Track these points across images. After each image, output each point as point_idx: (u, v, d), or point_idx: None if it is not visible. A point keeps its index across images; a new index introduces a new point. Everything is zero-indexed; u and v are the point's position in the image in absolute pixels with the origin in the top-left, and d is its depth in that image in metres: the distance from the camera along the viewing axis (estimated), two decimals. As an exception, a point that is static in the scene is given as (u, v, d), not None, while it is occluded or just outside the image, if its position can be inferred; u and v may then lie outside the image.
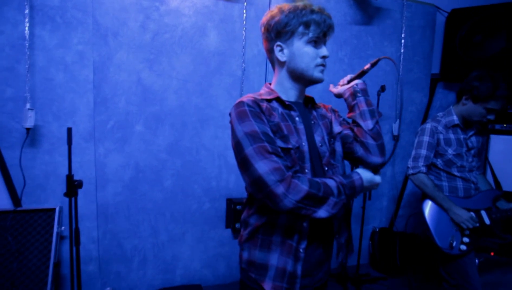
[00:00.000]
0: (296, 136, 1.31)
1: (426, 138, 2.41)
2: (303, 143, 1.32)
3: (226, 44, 2.95)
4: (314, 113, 1.44)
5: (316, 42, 1.32)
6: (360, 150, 1.40)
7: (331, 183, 1.23)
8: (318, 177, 1.25)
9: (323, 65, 1.33)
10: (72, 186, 2.02)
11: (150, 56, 2.78)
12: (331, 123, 1.47)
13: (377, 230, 3.56)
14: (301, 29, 1.29)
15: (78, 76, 2.61)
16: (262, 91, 1.40)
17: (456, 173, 2.40)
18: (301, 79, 1.36)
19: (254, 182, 1.18)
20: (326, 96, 3.28)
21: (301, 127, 1.35)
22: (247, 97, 1.31)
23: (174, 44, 2.82)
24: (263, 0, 3.03)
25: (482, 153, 2.71)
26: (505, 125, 3.17)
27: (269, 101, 1.34)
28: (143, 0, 2.71)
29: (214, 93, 2.96)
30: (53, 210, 2.58)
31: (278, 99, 1.36)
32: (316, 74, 1.34)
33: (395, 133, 3.52)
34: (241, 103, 1.28)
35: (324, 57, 1.32)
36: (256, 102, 1.28)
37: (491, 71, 2.25)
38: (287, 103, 1.35)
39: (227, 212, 3.06)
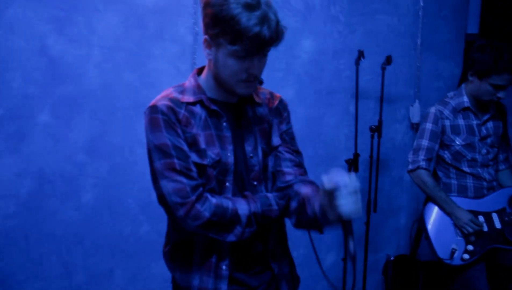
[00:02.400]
0: (218, 147, 1.47)
1: (428, 126, 2.60)
2: (228, 154, 1.49)
3: None
4: (250, 115, 1.57)
5: (245, 57, 1.37)
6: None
7: (242, 210, 1.43)
8: (235, 199, 1.47)
9: (249, 81, 1.41)
10: None
11: (59, 14, 2.67)
12: (270, 129, 1.61)
13: (392, 258, 3.52)
14: (226, 38, 1.34)
15: None
16: (187, 84, 1.53)
17: (465, 169, 2.62)
18: (224, 87, 1.48)
19: (159, 197, 1.43)
20: (314, 70, 3.31)
21: (228, 134, 1.51)
22: (163, 100, 1.44)
23: None
24: None
25: (505, 142, 2.86)
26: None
27: (191, 104, 1.47)
28: None
29: (154, 67, 2.91)
30: None
31: (202, 103, 1.48)
32: (239, 90, 1.44)
33: (414, 120, 3.51)
34: (154, 108, 1.42)
35: (252, 74, 1.39)
36: (172, 109, 1.42)
37: (494, 41, 2.49)
38: (212, 108, 1.48)
39: (175, 237, 2.89)
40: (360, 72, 3.13)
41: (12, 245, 2.69)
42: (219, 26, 1.34)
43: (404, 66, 3.48)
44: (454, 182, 2.66)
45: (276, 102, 1.64)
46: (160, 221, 2.85)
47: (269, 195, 1.54)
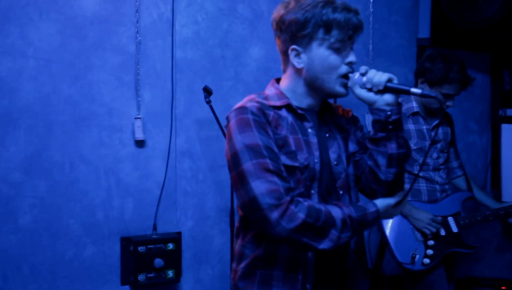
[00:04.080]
0: (306, 152, 1.47)
1: None
2: (315, 160, 1.48)
3: (110, 7, 2.89)
4: (331, 124, 1.60)
5: (340, 48, 1.43)
6: (367, 192, 1.62)
7: (336, 213, 1.39)
8: (324, 203, 1.45)
9: (347, 74, 1.45)
10: None
11: None
12: (347, 137, 1.63)
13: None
14: (321, 33, 1.41)
15: None
16: (268, 92, 1.55)
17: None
18: (320, 91, 1.50)
19: (248, 202, 1.37)
20: (264, 78, 3.26)
21: (314, 141, 1.51)
22: (251, 101, 1.45)
23: (28, 6, 2.70)
24: None
25: (454, 149, 2.94)
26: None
27: (277, 108, 1.49)
28: None
29: (95, 79, 2.88)
30: None
31: (288, 107, 1.50)
32: (338, 88, 1.46)
33: (370, 128, 3.36)
34: (243, 109, 1.42)
35: (350, 63, 1.45)
36: (262, 110, 1.43)
37: (444, 51, 2.59)
38: (299, 112, 1.50)
39: (123, 258, 2.96)
40: None
41: None
42: (310, 23, 1.40)
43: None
44: (407, 186, 2.55)
45: (351, 113, 1.69)
46: (106, 242, 2.85)
47: (360, 203, 1.53)
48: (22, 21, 2.69)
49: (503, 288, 3.53)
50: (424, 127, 2.66)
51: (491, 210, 2.67)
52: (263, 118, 1.42)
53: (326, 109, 1.61)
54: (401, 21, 3.62)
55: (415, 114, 2.65)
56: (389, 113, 1.42)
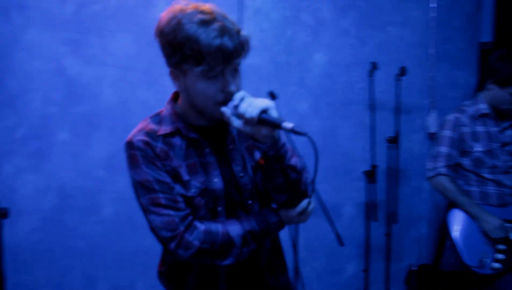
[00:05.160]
0: (203, 175, 1.43)
1: (446, 133, 2.54)
2: (215, 180, 1.44)
3: None
4: (234, 133, 1.52)
5: (216, 76, 1.29)
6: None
7: (234, 232, 1.41)
8: (227, 221, 1.45)
9: (227, 101, 1.32)
10: None
11: (75, 36, 2.76)
12: (253, 145, 1.54)
13: (415, 269, 3.48)
14: (190, 62, 1.27)
15: None
16: (164, 113, 1.47)
17: (486, 175, 2.53)
18: (202, 113, 1.42)
19: (151, 229, 1.43)
20: (327, 83, 3.25)
21: (211, 160, 1.46)
22: (139, 134, 1.40)
23: (108, 18, 2.81)
24: (229, -49, 3.00)
25: None
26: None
27: (168, 135, 1.43)
28: None
29: (168, 84, 2.73)
30: None
31: (179, 133, 1.43)
32: (217, 113, 1.35)
33: (432, 130, 3.42)
34: (130, 144, 1.39)
35: (227, 92, 1.31)
36: (149, 144, 1.38)
37: None
38: (191, 136, 1.43)
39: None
40: (374, 83, 3.12)
41: (37, 258, 2.84)
42: (179, 51, 1.27)
43: (417, 77, 3.40)
44: (475, 189, 2.57)
45: None
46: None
47: (264, 210, 1.51)
48: (103, 32, 2.79)
49: None
50: (493, 129, 2.56)
51: None
52: (150, 151, 1.37)
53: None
54: (462, 26, 3.52)
55: (483, 115, 2.55)
56: (265, 149, 1.36)
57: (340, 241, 1.80)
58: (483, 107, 2.54)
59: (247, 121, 1.29)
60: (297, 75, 3.10)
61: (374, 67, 3.02)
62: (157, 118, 1.44)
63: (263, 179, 1.49)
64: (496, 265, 2.39)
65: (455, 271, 3.15)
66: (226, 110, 1.31)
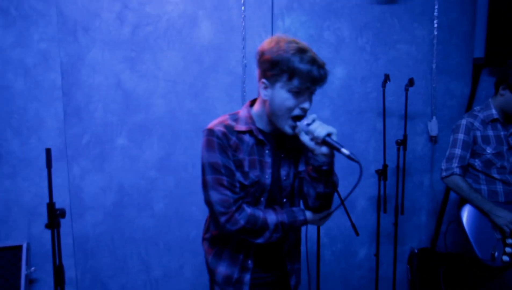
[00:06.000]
0: (258, 170, 1.59)
1: (460, 136, 2.51)
2: (266, 177, 1.60)
3: (222, 36, 2.96)
4: (288, 146, 1.67)
5: (299, 92, 1.46)
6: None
7: (271, 219, 1.56)
8: (266, 210, 1.60)
9: (301, 117, 1.49)
10: (54, 216, 2.00)
11: (131, 54, 2.81)
12: (299, 158, 1.71)
13: (416, 251, 3.50)
14: (285, 77, 1.44)
15: (43, 82, 2.64)
16: (241, 114, 1.62)
17: (495, 175, 2.50)
18: (276, 125, 1.56)
19: (207, 203, 1.55)
20: (345, 93, 3.29)
21: (268, 161, 1.61)
22: (219, 125, 1.55)
23: (159, 38, 2.84)
24: (265, -20, 3.09)
25: None
26: None
27: (242, 132, 1.57)
28: None
29: (210, 96, 2.98)
30: (19, 247, 2.56)
31: (251, 132, 1.58)
32: (287, 128, 1.52)
33: (433, 133, 3.49)
34: (211, 131, 1.53)
35: (303, 109, 1.49)
36: (226, 135, 1.53)
37: None
38: (259, 137, 1.59)
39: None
40: (385, 93, 3.15)
41: (101, 247, 2.86)
42: (277, 67, 1.43)
43: (421, 87, 3.47)
44: (484, 187, 2.53)
45: None
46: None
47: (295, 209, 1.65)
48: (154, 50, 2.81)
49: None
50: (502, 133, 2.50)
51: None
52: (225, 141, 1.51)
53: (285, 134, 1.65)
54: (460, 43, 3.56)
55: (494, 120, 2.50)
56: (321, 164, 1.49)
57: (356, 231, 1.85)
58: (493, 112, 2.49)
59: (313, 138, 1.45)
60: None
61: (387, 78, 3.03)
62: (235, 117, 1.60)
63: (307, 186, 1.61)
64: (506, 258, 2.32)
65: (449, 253, 3.34)
66: (300, 124, 1.48)
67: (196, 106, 2.94)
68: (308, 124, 1.46)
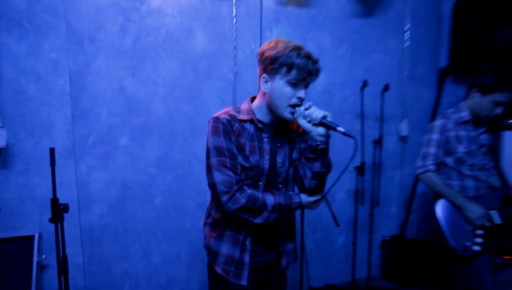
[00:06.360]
0: (258, 155, 1.66)
1: (435, 136, 2.52)
2: (265, 162, 1.67)
3: (215, 46, 3.07)
4: (284, 136, 1.76)
5: (296, 84, 1.57)
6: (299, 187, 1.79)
7: (269, 201, 1.63)
8: (264, 192, 1.65)
9: (297, 105, 1.59)
10: (58, 211, 2.05)
11: (132, 62, 2.87)
12: (293, 147, 1.77)
13: (388, 238, 3.73)
14: (284, 70, 1.55)
15: (53, 87, 2.71)
16: (242, 107, 1.71)
17: (466, 172, 2.52)
18: (274, 113, 1.65)
19: (211, 185, 1.61)
20: (327, 97, 3.40)
21: (267, 147, 1.69)
22: (224, 114, 1.65)
23: (158, 47, 2.92)
24: (254, -4, 3.23)
25: (492, 153, 2.74)
26: (519, 120, 3.49)
27: (243, 121, 1.66)
28: (121, 0, 2.80)
29: (205, 99, 3.09)
30: (32, 237, 2.67)
31: (252, 121, 1.68)
32: (286, 114, 1.61)
33: (403, 134, 3.70)
34: (217, 119, 1.62)
35: (300, 98, 1.59)
36: (230, 122, 1.62)
37: (501, 63, 2.39)
38: (259, 126, 1.68)
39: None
40: (360, 98, 3.30)
41: (106, 236, 2.93)
42: (277, 61, 1.54)
43: (394, 93, 3.60)
44: (456, 183, 2.52)
45: (301, 129, 1.78)
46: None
47: (291, 193, 1.73)
48: (154, 58, 2.88)
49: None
50: (473, 133, 2.50)
51: None
52: (229, 128, 1.60)
53: (282, 125, 1.75)
54: (427, 54, 3.71)
55: (466, 122, 2.49)
56: (318, 143, 1.57)
57: (336, 222, 1.91)
58: (465, 114, 2.49)
59: (310, 121, 1.55)
60: (305, 91, 3.27)
61: (365, 84, 3.14)
62: (237, 109, 1.71)
63: (303, 169, 1.67)
64: (477, 248, 2.35)
65: (415, 239, 3.57)
66: (298, 109, 1.59)
67: (192, 109, 3.02)
68: (306, 109, 1.56)
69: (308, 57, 1.54)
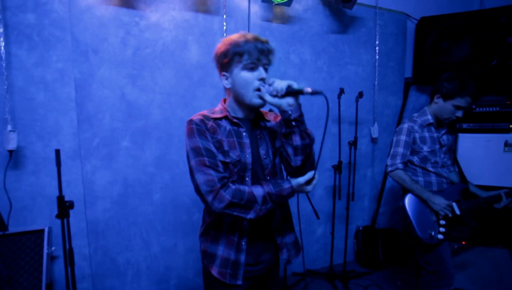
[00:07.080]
0: (238, 150, 1.53)
1: (403, 137, 2.57)
2: (247, 156, 1.55)
3: (207, 57, 3.14)
4: (263, 128, 1.65)
5: (253, 67, 1.48)
6: (289, 173, 1.68)
7: (257, 192, 1.48)
8: (252, 186, 1.52)
9: (261, 87, 1.48)
10: (64, 207, 2.06)
11: (133, 71, 2.91)
12: (275, 136, 1.67)
13: (361, 228, 3.85)
14: (236, 58, 1.48)
15: (60, 95, 2.74)
16: (216, 108, 1.63)
17: (430, 169, 2.59)
18: (243, 104, 1.56)
19: (195, 188, 1.49)
20: (307, 104, 3.40)
21: (246, 141, 1.56)
22: (198, 115, 1.55)
23: (156, 58, 2.97)
24: (242, 12, 3.26)
25: (451, 151, 2.83)
26: (471, 124, 3.51)
27: (217, 119, 1.56)
28: (122, 15, 2.88)
29: (198, 105, 3.13)
30: (42, 231, 2.69)
31: (226, 117, 1.58)
32: (254, 100, 1.51)
33: (374, 136, 3.84)
34: (191, 121, 1.52)
35: (262, 79, 1.49)
36: (203, 121, 1.51)
37: (461, 73, 2.46)
38: (234, 121, 1.58)
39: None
40: (337, 104, 3.43)
41: (110, 229, 2.96)
42: (228, 53, 1.48)
43: (366, 100, 3.74)
44: (421, 179, 2.57)
45: (279, 118, 1.65)
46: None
47: (280, 180, 1.61)
48: (152, 68, 2.91)
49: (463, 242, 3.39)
50: (435, 134, 2.55)
51: (482, 198, 2.53)
52: (203, 126, 1.49)
53: (259, 117, 1.65)
54: (395, 66, 3.83)
55: (429, 124, 2.55)
56: (290, 112, 1.46)
57: (317, 215, 1.91)
58: (429, 118, 2.55)
59: (277, 94, 1.44)
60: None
61: (341, 92, 3.22)
62: (211, 110, 1.63)
63: (285, 148, 1.54)
64: (440, 236, 2.42)
65: (385, 229, 3.73)
66: (262, 88, 1.48)
67: (186, 114, 3.05)
68: (270, 85, 1.48)
69: (255, 38, 1.49)
